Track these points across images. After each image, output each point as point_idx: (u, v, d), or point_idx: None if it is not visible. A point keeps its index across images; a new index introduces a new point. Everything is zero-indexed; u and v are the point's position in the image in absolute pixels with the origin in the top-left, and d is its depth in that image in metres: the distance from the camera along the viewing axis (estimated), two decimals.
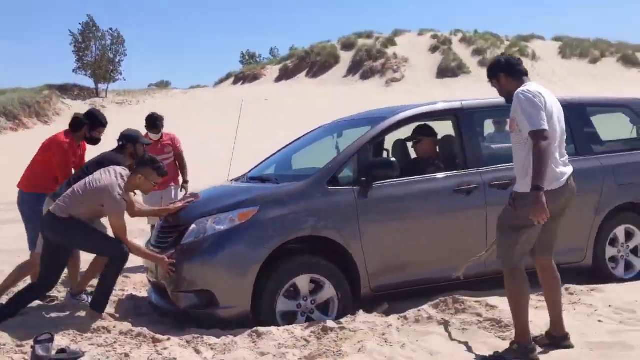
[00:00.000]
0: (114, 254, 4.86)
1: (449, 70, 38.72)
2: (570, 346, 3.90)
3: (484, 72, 5.28)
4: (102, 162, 5.39)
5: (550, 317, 4.00)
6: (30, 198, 5.70)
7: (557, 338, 3.94)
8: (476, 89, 33.14)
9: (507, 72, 3.97)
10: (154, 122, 7.32)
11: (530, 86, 3.84)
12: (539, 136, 3.62)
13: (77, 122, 5.87)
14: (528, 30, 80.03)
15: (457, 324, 4.37)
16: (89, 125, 5.86)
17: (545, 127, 3.65)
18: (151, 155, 5.23)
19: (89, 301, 5.03)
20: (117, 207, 4.81)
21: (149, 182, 5.01)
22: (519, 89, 3.82)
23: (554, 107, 3.85)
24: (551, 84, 29.94)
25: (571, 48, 40.63)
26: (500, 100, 5.74)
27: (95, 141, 5.96)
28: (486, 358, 3.81)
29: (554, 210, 3.74)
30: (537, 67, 37.20)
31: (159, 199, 6.87)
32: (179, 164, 7.49)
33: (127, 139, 5.68)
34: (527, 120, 3.68)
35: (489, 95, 5.09)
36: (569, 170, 3.88)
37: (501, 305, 4.68)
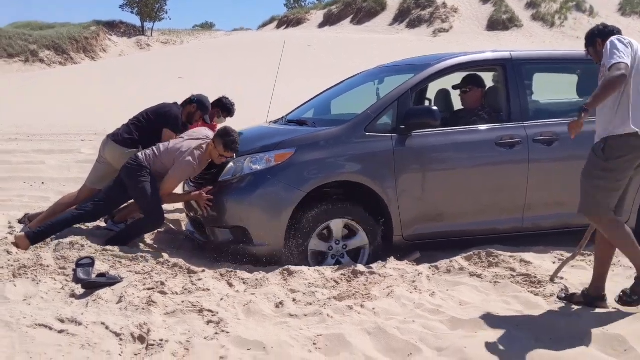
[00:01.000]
0: (153, 216, 5.01)
1: (499, 22, 37.60)
2: (605, 307, 3.84)
3: (536, 26, 5.14)
4: (159, 111, 5.54)
5: (595, 275, 3.90)
6: None
7: (594, 298, 3.86)
8: (527, 44, 32.22)
9: (603, 37, 3.85)
10: (230, 109, 6.30)
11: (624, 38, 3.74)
12: (616, 67, 3.52)
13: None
14: None
15: (489, 277, 4.36)
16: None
17: (626, 61, 3.53)
18: (228, 128, 5.08)
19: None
20: (181, 171, 4.94)
21: (216, 152, 4.99)
22: (613, 36, 3.72)
23: None
24: None
25: (632, 5, 38.85)
26: (553, 52, 5.56)
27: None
28: (558, 295, 3.95)
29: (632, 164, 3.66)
30: (593, 23, 35.41)
31: None
32: None
33: (200, 105, 5.64)
34: (609, 57, 3.59)
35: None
36: None
37: (536, 261, 4.65)
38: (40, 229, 4.87)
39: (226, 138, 4.92)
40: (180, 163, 4.96)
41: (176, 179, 5.02)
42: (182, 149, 5.00)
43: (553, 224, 5.20)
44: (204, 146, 5.03)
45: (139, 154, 5.11)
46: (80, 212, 5.11)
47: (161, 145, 5.14)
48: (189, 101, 5.67)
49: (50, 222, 5.01)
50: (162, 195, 5.00)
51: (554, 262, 4.70)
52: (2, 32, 34.17)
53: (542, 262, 4.67)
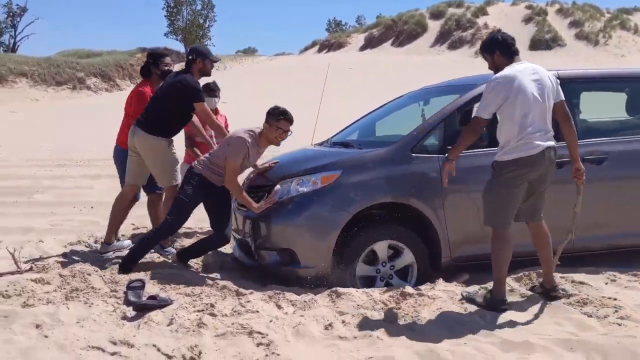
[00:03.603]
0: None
1: (542, 42, 37.15)
2: (558, 297, 4.24)
3: (580, 44, 5.10)
4: (174, 83, 5.38)
5: (544, 271, 4.35)
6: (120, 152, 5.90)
7: (548, 289, 4.29)
8: (571, 63, 31.66)
9: (502, 49, 4.22)
10: (214, 89, 6.46)
11: (510, 69, 4.08)
12: (475, 122, 4.08)
13: (144, 68, 5.97)
14: (632, 3, 75.30)
15: (540, 298, 4.26)
16: (152, 63, 5.87)
17: (485, 117, 4.03)
18: (277, 106, 5.15)
19: (175, 252, 5.39)
20: (237, 149, 4.93)
21: (274, 129, 5.02)
22: (496, 75, 4.11)
23: (531, 85, 4.05)
24: None
25: None
26: (600, 71, 5.51)
27: (167, 73, 5.73)
28: (463, 296, 4.28)
29: (534, 178, 4.12)
30: (638, 41, 35.02)
31: None
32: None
33: (196, 53, 5.50)
34: (479, 105, 4.11)
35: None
36: (547, 143, 4.07)
37: (588, 282, 4.54)
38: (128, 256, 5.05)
39: (275, 111, 5.05)
40: (234, 143, 4.96)
41: (232, 159, 4.92)
42: (230, 138, 5.06)
43: (603, 244, 5.07)
44: (256, 131, 5.08)
45: (194, 162, 5.18)
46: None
47: (213, 151, 5.21)
48: (191, 58, 5.50)
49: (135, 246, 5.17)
50: (225, 181, 4.96)
51: (606, 283, 4.59)
52: (51, 61, 35.51)
53: (595, 283, 4.55)
